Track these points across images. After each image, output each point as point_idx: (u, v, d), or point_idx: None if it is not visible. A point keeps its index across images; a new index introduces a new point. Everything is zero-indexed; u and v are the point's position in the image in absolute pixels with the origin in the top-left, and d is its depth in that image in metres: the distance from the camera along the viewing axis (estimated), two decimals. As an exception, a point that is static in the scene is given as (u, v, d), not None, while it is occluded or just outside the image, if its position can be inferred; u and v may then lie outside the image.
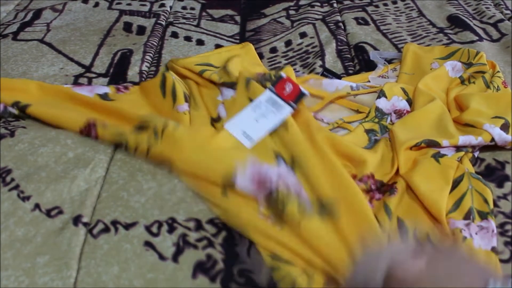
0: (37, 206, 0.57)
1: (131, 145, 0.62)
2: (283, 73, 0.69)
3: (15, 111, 0.69)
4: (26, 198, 0.58)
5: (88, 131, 0.65)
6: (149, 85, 0.75)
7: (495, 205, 0.56)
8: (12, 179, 0.60)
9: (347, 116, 0.69)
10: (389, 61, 0.84)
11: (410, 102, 0.70)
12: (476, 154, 0.63)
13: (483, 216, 0.52)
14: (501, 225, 0.54)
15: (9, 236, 0.53)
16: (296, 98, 0.66)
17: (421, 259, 0.39)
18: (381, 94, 0.69)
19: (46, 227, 0.54)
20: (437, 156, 0.59)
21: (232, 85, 0.72)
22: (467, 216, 0.52)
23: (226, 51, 0.84)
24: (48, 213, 0.56)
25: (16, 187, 0.59)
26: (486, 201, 0.54)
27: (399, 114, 0.68)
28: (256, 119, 0.65)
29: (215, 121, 0.68)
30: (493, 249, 0.49)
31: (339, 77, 0.77)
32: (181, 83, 0.74)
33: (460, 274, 0.38)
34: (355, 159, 0.60)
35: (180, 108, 0.68)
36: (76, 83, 0.81)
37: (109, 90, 0.75)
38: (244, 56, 0.83)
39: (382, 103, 0.68)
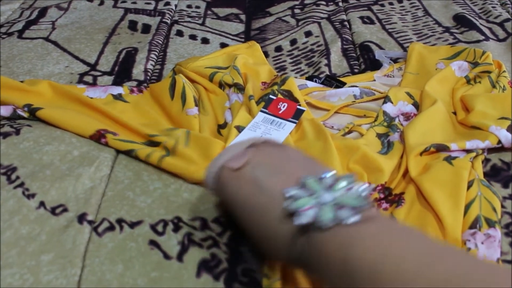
0: (42, 204, 0.57)
1: (141, 157, 0.62)
2: (271, 95, 0.69)
3: (24, 114, 0.69)
4: (31, 196, 0.58)
5: (97, 139, 0.65)
6: (158, 87, 0.75)
7: (501, 205, 0.55)
8: (17, 177, 0.61)
9: (357, 120, 0.68)
10: (395, 60, 0.84)
11: (416, 105, 0.69)
12: (484, 154, 0.62)
13: (491, 224, 0.51)
14: (506, 226, 0.53)
15: (14, 234, 0.53)
16: (294, 114, 0.66)
17: (250, 152, 0.44)
18: (387, 99, 0.68)
19: (51, 225, 0.54)
20: (449, 159, 0.58)
21: (243, 89, 0.72)
22: (474, 224, 0.51)
23: (233, 50, 0.84)
24: (53, 211, 0.56)
25: (21, 185, 0.59)
26: (494, 209, 0.53)
27: (407, 116, 0.67)
28: (261, 135, 0.64)
29: (222, 127, 0.68)
30: (497, 261, 0.48)
31: (342, 83, 0.75)
32: (191, 87, 0.73)
33: (287, 160, 0.43)
34: (370, 167, 0.58)
35: (189, 112, 0.68)
36: (83, 81, 0.82)
37: (123, 91, 0.75)
38: (250, 55, 0.82)
39: (388, 108, 0.68)
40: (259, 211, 0.40)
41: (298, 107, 0.67)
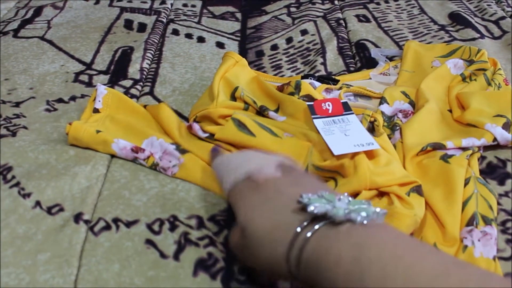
0: (37, 203, 0.57)
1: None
2: (308, 102, 0.64)
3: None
4: (26, 196, 0.58)
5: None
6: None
7: (497, 203, 0.55)
8: (13, 177, 0.60)
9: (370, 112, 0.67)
10: (391, 59, 0.84)
11: (412, 104, 0.69)
12: (480, 152, 0.62)
13: (488, 221, 0.51)
14: (502, 223, 0.53)
15: (9, 234, 0.53)
16: (345, 108, 0.63)
17: (278, 171, 0.45)
18: (383, 100, 0.68)
19: (47, 225, 0.54)
20: (446, 157, 0.58)
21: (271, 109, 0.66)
22: (470, 222, 0.51)
23: (225, 71, 0.72)
24: (49, 210, 0.56)
25: (17, 184, 0.59)
26: (490, 207, 0.53)
27: (405, 113, 0.67)
28: (344, 135, 0.59)
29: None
30: (494, 258, 0.48)
31: (335, 81, 0.75)
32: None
33: (297, 185, 0.43)
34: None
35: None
36: (79, 80, 0.81)
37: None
38: (240, 73, 0.73)
39: (385, 108, 0.67)
40: (273, 210, 0.40)
41: (342, 101, 0.64)
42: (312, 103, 0.64)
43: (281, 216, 0.39)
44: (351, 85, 0.74)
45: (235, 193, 0.45)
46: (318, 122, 0.61)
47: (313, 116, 0.62)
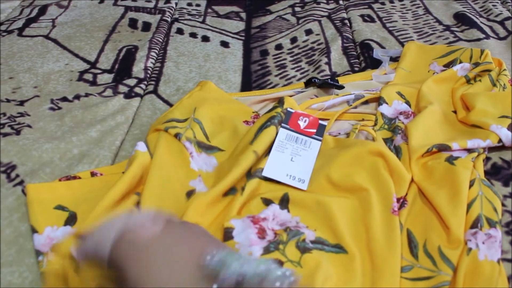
0: (41, 202, 0.57)
1: None
2: (289, 108, 0.64)
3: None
4: (30, 194, 0.58)
5: None
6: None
7: (502, 204, 0.55)
8: (17, 175, 0.61)
9: (357, 125, 0.67)
10: (395, 59, 0.84)
11: (408, 104, 0.69)
12: (485, 153, 0.62)
13: (492, 224, 0.51)
14: (507, 224, 0.53)
15: (13, 232, 0.53)
16: (318, 130, 0.63)
17: (156, 226, 0.39)
18: (382, 101, 0.68)
19: (50, 223, 0.54)
20: (451, 159, 0.58)
21: (210, 148, 0.63)
22: (475, 224, 0.51)
23: (187, 98, 0.71)
24: (52, 209, 0.56)
25: (21, 183, 0.59)
26: (495, 210, 0.53)
27: (406, 115, 0.67)
28: (291, 159, 0.60)
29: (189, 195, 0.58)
30: (498, 261, 0.48)
31: (340, 87, 0.74)
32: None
33: (187, 240, 0.39)
34: (395, 175, 0.57)
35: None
36: (83, 79, 0.82)
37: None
38: (208, 97, 0.71)
39: (385, 109, 0.67)
40: (168, 274, 0.36)
41: (321, 122, 0.64)
42: (292, 110, 0.64)
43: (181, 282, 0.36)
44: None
45: (116, 256, 0.38)
46: (282, 132, 0.62)
47: (282, 124, 0.62)
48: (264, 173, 0.58)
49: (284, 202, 0.55)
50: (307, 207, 0.54)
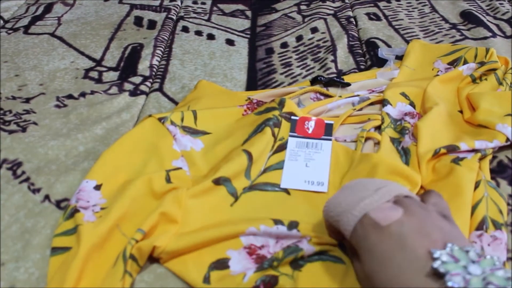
0: (46, 197, 0.57)
1: None
2: (294, 116, 0.64)
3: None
4: (36, 191, 0.58)
5: None
6: None
7: (507, 203, 0.55)
8: (23, 172, 0.61)
9: (366, 124, 0.66)
10: (401, 57, 0.84)
11: (413, 105, 0.68)
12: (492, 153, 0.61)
13: (497, 226, 0.50)
14: (512, 224, 0.53)
15: (19, 228, 0.53)
16: (326, 131, 0.63)
17: (397, 210, 0.42)
18: (386, 102, 0.68)
19: (56, 219, 0.54)
20: (457, 160, 0.57)
21: (195, 132, 0.64)
22: (480, 226, 0.50)
23: (182, 102, 0.73)
24: (57, 204, 0.56)
25: (27, 179, 0.60)
26: (500, 211, 0.52)
27: (412, 115, 0.66)
28: (305, 165, 0.60)
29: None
30: (504, 263, 0.48)
31: (347, 84, 0.74)
32: None
33: (423, 231, 0.40)
34: (403, 177, 0.57)
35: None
36: (89, 77, 0.82)
37: None
38: (201, 95, 0.73)
39: (390, 110, 0.67)
40: (400, 267, 0.38)
41: (327, 122, 0.64)
42: (297, 118, 0.64)
43: (409, 278, 0.37)
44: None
45: (358, 238, 0.42)
46: (292, 142, 0.62)
47: (290, 133, 0.63)
48: (282, 185, 0.57)
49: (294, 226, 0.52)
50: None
